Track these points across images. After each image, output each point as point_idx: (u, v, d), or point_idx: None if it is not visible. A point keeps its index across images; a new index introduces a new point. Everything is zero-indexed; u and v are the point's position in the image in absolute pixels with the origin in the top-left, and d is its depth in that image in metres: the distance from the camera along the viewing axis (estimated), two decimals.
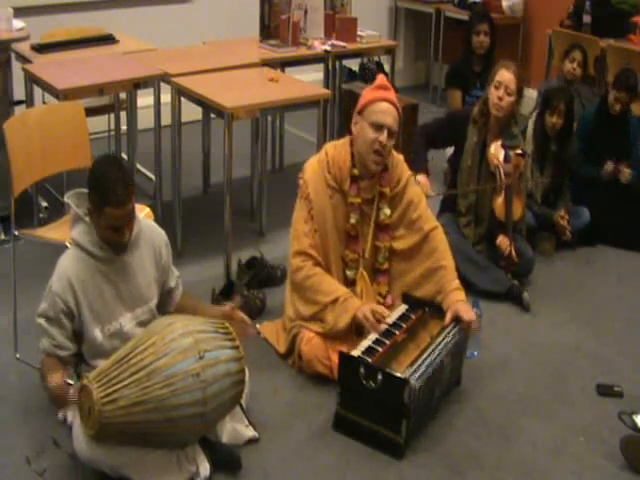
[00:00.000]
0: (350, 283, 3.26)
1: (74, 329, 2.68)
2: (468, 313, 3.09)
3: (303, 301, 3.20)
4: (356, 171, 3.22)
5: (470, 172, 3.95)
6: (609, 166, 4.49)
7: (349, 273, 3.27)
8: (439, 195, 4.07)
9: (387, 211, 3.28)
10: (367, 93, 3.20)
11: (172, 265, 2.97)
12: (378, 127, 3.11)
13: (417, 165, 3.91)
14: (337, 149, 3.26)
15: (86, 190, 2.67)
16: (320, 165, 3.24)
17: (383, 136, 3.11)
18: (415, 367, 2.81)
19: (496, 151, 3.90)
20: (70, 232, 2.74)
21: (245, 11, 5.60)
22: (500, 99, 3.83)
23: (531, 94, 4.91)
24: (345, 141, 3.27)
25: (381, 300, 3.28)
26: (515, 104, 3.91)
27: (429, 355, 2.90)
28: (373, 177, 3.25)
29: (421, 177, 3.85)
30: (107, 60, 4.30)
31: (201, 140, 4.91)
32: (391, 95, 3.18)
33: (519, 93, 3.90)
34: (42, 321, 2.67)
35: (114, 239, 2.65)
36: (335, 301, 3.10)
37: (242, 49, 4.77)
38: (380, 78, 3.26)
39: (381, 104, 3.13)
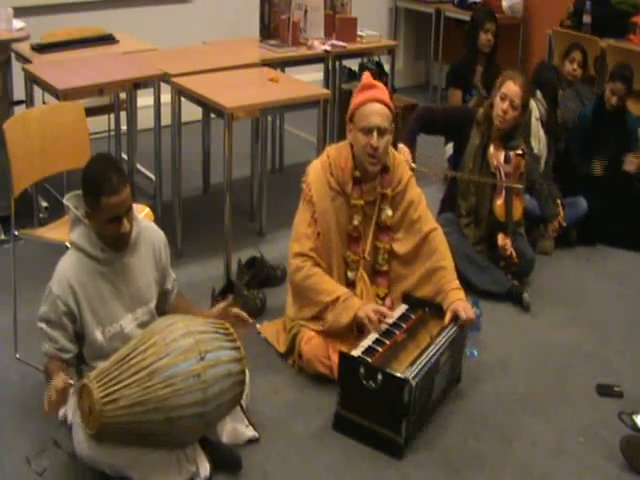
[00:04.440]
0: (350, 284, 3.26)
1: (75, 331, 2.68)
2: (467, 311, 3.09)
3: (303, 302, 3.20)
4: (358, 173, 3.22)
5: (471, 175, 3.94)
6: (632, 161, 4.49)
7: (350, 274, 3.27)
8: (426, 173, 3.97)
9: (389, 212, 3.28)
10: (355, 97, 3.20)
11: (170, 267, 2.97)
12: (368, 131, 3.11)
13: (405, 136, 3.89)
14: (339, 151, 3.26)
15: None
16: (323, 168, 3.24)
17: (373, 139, 3.10)
18: (415, 367, 2.81)
19: (496, 151, 3.91)
20: (69, 234, 2.74)
21: (245, 11, 5.61)
22: (504, 112, 3.83)
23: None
24: (346, 143, 3.27)
25: (380, 302, 3.28)
26: (519, 117, 3.91)
27: (429, 355, 2.90)
28: (375, 179, 3.25)
29: (402, 145, 3.81)
30: (107, 60, 4.30)
31: (201, 140, 4.91)
32: (377, 92, 3.17)
33: (524, 106, 3.90)
34: (43, 325, 2.66)
35: (115, 233, 2.63)
36: (336, 300, 3.10)
37: (242, 49, 4.77)
38: (365, 77, 3.26)
39: (367, 106, 3.12)
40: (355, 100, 3.19)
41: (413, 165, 3.77)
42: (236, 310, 2.90)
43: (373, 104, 3.13)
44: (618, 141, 4.55)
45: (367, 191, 3.25)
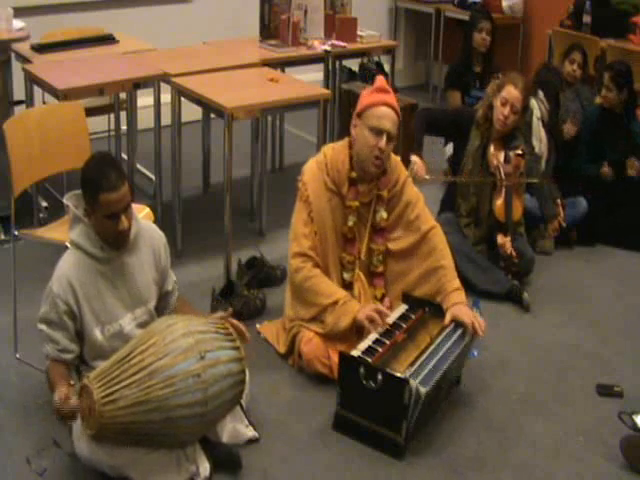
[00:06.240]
0: (347, 285, 3.26)
1: (76, 330, 2.68)
2: (469, 316, 3.08)
3: (303, 303, 3.20)
4: (354, 174, 3.21)
5: (470, 175, 3.94)
6: (606, 168, 4.50)
7: (346, 275, 3.27)
8: (434, 180, 3.99)
9: (384, 214, 3.28)
10: (367, 95, 3.19)
11: (170, 268, 2.97)
12: (378, 132, 3.11)
13: (415, 147, 3.89)
14: (335, 151, 3.26)
15: None
16: (319, 167, 3.23)
17: (382, 142, 3.10)
18: (415, 367, 2.81)
19: (496, 151, 3.91)
20: (69, 233, 2.74)
21: (245, 11, 5.61)
22: (506, 117, 3.82)
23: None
24: (344, 143, 3.27)
25: (377, 303, 3.27)
26: (520, 119, 3.90)
27: (430, 356, 2.90)
28: (372, 180, 3.24)
29: (414, 157, 3.83)
30: (107, 60, 4.30)
31: (201, 140, 4.91)
32: (391, 98, 3.17)
33: (525, 108, 3.90)
34: (44, 327, 2.66)
35: (113, 230, 2.63)
36: (335, 303, 3.10)
37: (242, 49, 4.77)
38: (379, 80, 3.25)
39: (381, 108, 3.12)
40: (368, 98, 3.17)
41: (427, 177, 3.79)
42: (235, 322, 2.78)
43: (387, 108, 3.13)
44: (623, 143, 4.55)
45: (363, 192, 3.24)
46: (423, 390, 2.70)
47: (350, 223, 3.24)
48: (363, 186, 3.24)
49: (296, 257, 3.18)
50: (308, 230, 3.19)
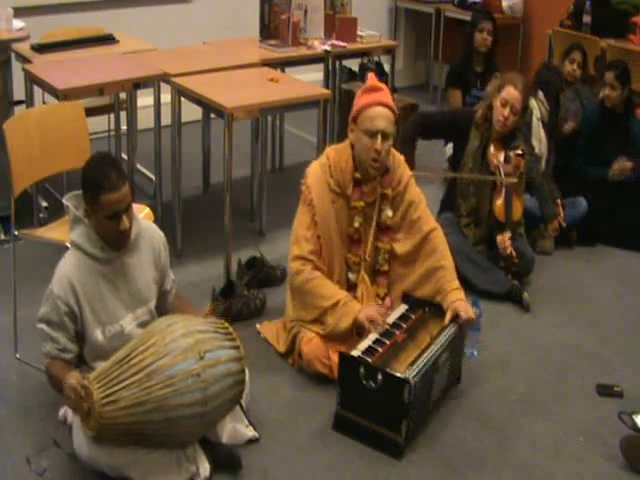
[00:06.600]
0: (352, 286, 3.26)
1: (76, 331, 2.68)
2: (467, 311, 3.10)
3: (303, 305, 3.20)
4: (358, 175, 3.21)
5: (470, 175, 3.94)
6: (618, 166, 4.49)
7: (351, 276, 3.26)
8: (426, 176, 3.98)
9: (389, 212, 3.28)
10: (359, 98, 3.19)
11: (169, 268, 2.97)
12: (372, 134, 3.10)
13: (403, 145, 3.88)
14: (338, 153, 3.25)
15: None
16: (322, 170, 3.23)
17: (377, 143, 3.10)
18: (415, 367, 2.81)
19: (496, 152, 3.91)
20: (69, 234, 2.74)
21: (245, 11, 5.61)
22: (505, 118, 3.82)
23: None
24: (346, 144, 3.26)
25: (380, 302, 3.27)
26: (520, 120, 3.90)
27: (428, 354, 2.90)
28: (375, 179, 3.24)
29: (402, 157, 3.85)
30: (107, 60, 4.30)
31: (201, 140, 4.91)
32: (382, 96, 3.16)
33: (524, 109, 3.90)
34: (44, 326, 2.67)
35: (114, 230, 2.63)
36: (336, 304, 3.10)
37: (242, 49, 4.77)
38: (370, 78, 3.25)
39: (372, 109, 3.11)
40: (360, 101, 3.18)
41: (411, 173, 3.78)
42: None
43: (378, 107, 3.12)
44: (622, 142, 4.55)
45: (367, 192, 3.24)
46: (412, 381, 2.70)
47: (356, 224, 3.23)
48: (367, 186, 3.24)
49: (296, 260, 3.18)
50: (310, 234, 3.18)
